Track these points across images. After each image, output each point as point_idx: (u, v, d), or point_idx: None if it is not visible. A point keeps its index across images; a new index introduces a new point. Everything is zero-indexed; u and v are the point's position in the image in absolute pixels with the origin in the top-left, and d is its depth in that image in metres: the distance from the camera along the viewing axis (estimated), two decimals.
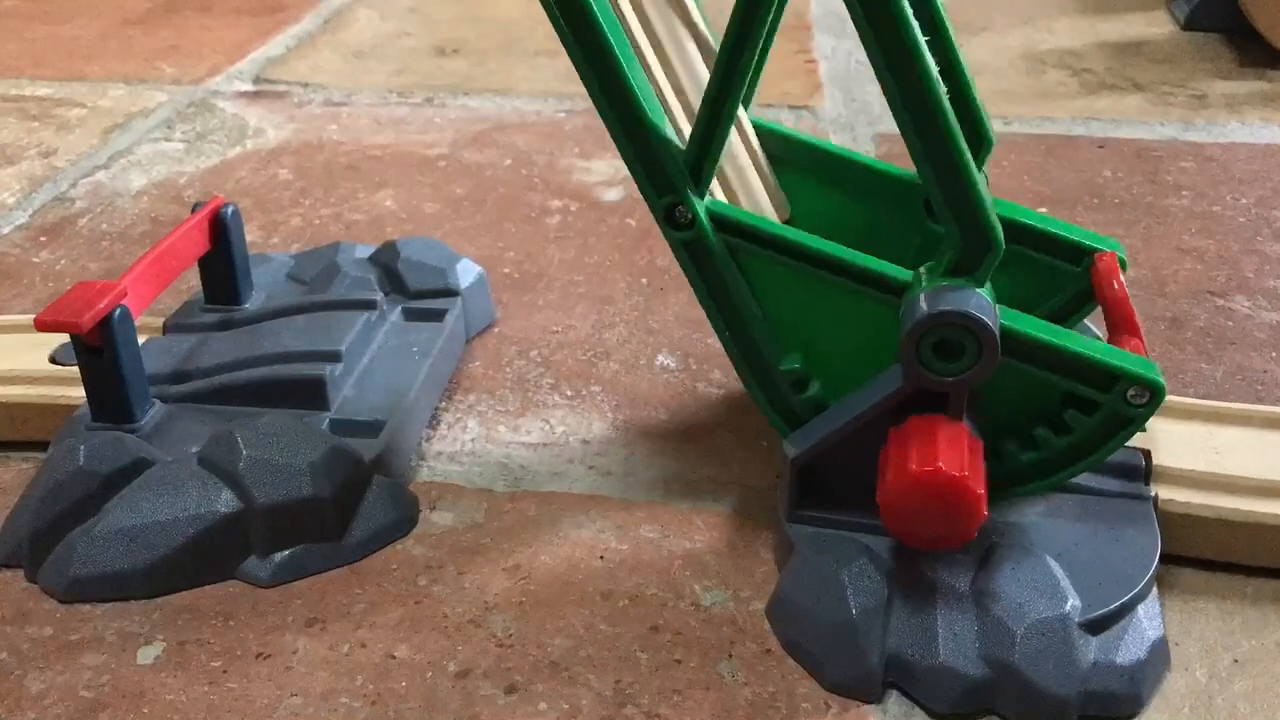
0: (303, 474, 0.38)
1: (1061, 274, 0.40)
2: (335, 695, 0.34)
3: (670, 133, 0.37)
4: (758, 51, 0.35)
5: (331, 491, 0.38)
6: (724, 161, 0.40)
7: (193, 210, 0.45)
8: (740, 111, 0.42)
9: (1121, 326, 0.37)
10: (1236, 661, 0.35)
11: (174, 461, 0.39)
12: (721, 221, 0.37)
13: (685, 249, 0.37)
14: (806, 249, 0.36)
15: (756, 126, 0.43)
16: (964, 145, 0.33)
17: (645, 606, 0.37)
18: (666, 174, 0.36)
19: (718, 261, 0.37)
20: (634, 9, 0.39)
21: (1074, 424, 0.35)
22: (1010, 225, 0.40)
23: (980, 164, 0.40)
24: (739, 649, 0.35)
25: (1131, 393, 0.34)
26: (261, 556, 0.38)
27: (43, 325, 0.38)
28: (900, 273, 0.35)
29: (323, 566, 0.38)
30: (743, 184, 0.41)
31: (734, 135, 0.41)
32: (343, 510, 0.39)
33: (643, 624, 0.36)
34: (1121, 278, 0.38)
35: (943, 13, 0.39)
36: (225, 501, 0.38)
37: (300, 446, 0.39)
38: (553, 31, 0.35)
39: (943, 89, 0.33)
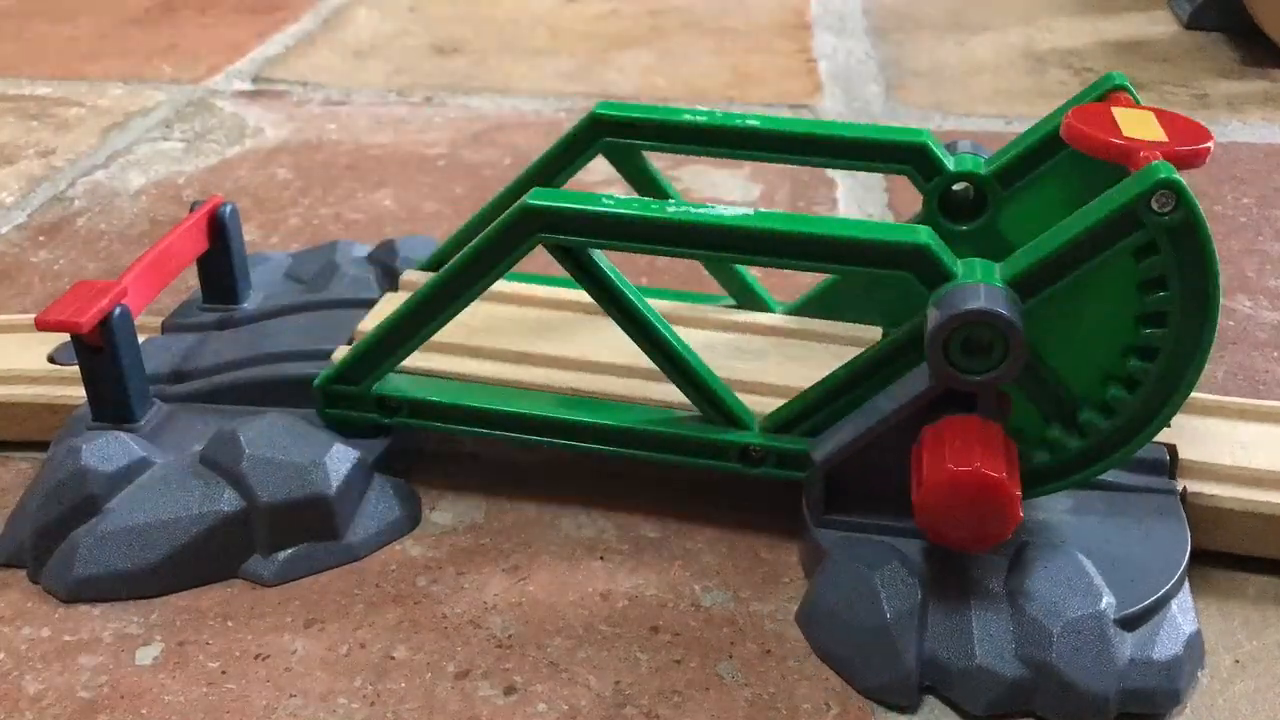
0: (305, 472, 0.38)
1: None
2: (334, 696, 0.34)
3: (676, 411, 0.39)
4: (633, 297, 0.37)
5: (334, 490, 0.38)
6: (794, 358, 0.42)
7: (191, 209, 0.45)
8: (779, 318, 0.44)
9: (1124, 160, 0.34)
10: (1237, 662, 0.35)
11: (176, 461, 0.39)
12: (781, 425, 0.38)
13: (779, 467, 0.38)
14: (837, 385, 0.37)
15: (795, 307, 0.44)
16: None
17: (645, 607, 0.37)
18: (715, 446, 0.38)
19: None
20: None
21: (1163, 281, 0.33)
22: (1023, 155, 0.40)
23: (941, 180, 0.41)
24: (739, 650, 0.35)
25: (1155, 205, 0.32)
26: (265, 555, 0.38)
27: (44, 325, 0.38)
28: (904, 334, 0.36)
29: (326, 565, 0.38)
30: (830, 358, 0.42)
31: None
32: (346, 508, 0.39)
33: (642, 624, 0.36)
34: (1103, 114, 0.36)
35: None
36: (228, 500, 0.38)
37: (303, 445, 0.38)
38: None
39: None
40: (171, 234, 0.43)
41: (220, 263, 0.46)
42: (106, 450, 0.38)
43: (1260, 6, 0.82)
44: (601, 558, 0.39)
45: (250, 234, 0.59)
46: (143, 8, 0.97)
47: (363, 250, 0.50)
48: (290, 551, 0.38)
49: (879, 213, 0.62)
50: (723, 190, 0.64)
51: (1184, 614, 0.34)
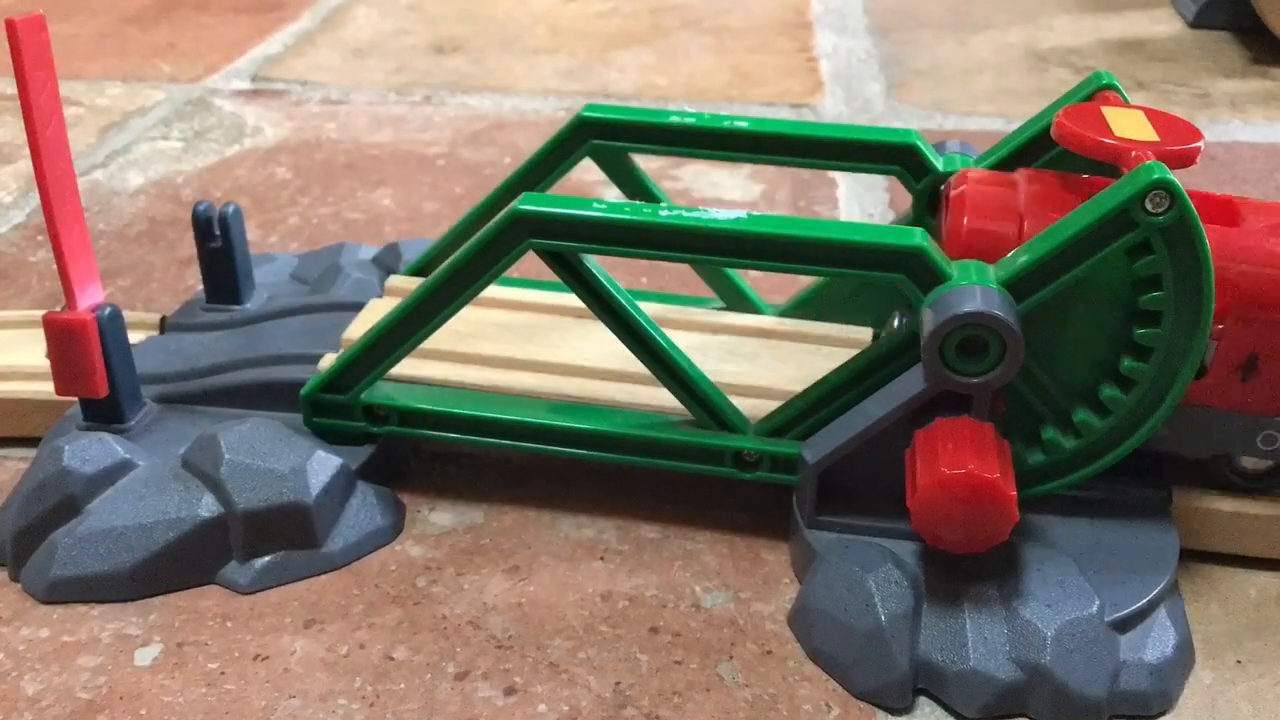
0: (284, 479, 0.38)
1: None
2: (334, 697, 0.34)
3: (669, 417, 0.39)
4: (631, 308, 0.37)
5: (313, 498, 0.38)
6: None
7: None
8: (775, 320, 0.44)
9: (1116, 161, 0.34)
10: (1240, 663, 0.35)
11: (158, 464, 0.39)
12: (775, 429, 0.38)
13: (773, 471, 0.38)
14: (831, 388, 0.37)
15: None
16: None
17: (645, 607, 0.37)
18: (709, 451, 0.38)
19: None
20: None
21: (1158, 273, 0.33)
22: (1011, 155, 0.41)
23: (930, 180, 0.41)
24: (739, 650, 0.35)
25: (1149, 206, 0.32)
26: (241, 562, 0.38)
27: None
28: (899, 336, 0.36)
29: (303, 573, 0.38)
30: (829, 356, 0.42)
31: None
32: (324, 517, 0.38)
33: (643, 625, 0.36)
34: (1093, 113, 0.36)
35: None
36: (206, 506, 0.37)
37: (284, 451, 0.38)
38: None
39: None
40: None
41: (223, 262, 0.46)
42: (89, 451, 0.38)
43: (1268, 5, 0.81)
44: (601, 558, 0.39)
45: (249, 233, 0.59)
46: (141, 6, 0.97)
47: (369, 252, 0.50)
48: (267, 559, 0.38)
49: (880, 212, 0.61)
50: (723, 190, 0.64)
51: (1175, 616, 0.34)
